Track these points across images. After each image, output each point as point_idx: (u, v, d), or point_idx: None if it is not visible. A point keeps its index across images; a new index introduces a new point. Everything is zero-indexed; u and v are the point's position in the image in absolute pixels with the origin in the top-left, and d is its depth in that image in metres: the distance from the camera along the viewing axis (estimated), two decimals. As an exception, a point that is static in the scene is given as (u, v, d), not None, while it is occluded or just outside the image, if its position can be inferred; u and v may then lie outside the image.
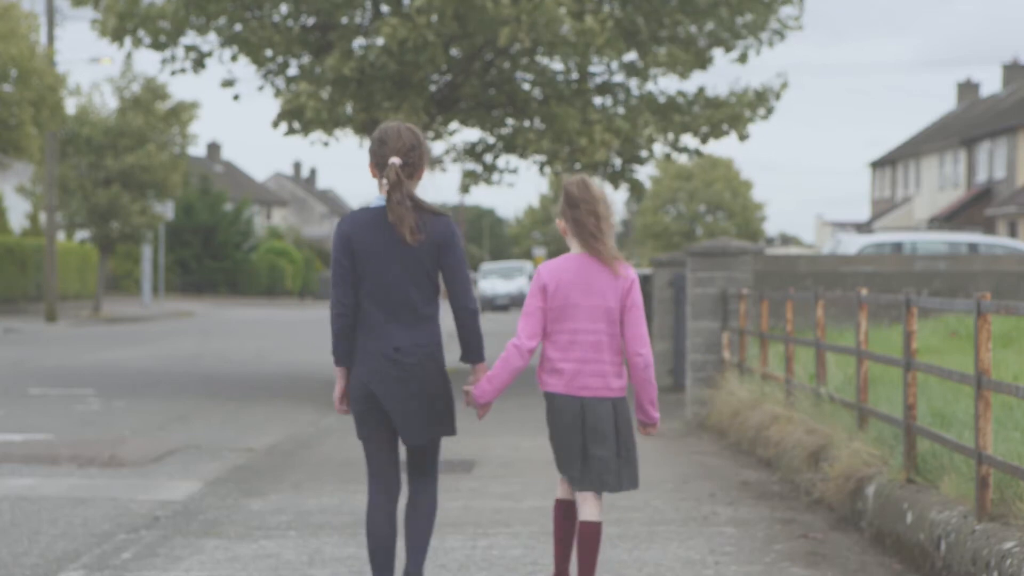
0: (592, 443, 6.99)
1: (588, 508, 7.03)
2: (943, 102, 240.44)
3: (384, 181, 6.81)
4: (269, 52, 23.65)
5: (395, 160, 6.78)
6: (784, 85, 24.51)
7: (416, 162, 6.85)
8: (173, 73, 24.14)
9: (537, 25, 21.41)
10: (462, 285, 6.83)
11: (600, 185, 7.19)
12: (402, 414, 6.83)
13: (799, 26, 24.30)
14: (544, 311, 7.01)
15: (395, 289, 6.81)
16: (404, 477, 7.17)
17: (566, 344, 7.01)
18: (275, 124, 23.65)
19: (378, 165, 6.87)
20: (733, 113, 24.15)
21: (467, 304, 6.85)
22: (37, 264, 52.13)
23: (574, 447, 7.01)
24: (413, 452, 7.06)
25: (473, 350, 6.93)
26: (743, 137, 24.45)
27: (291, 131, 23.66)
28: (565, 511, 7.23)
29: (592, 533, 7.00)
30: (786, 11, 24.19)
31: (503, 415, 17.12)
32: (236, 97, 25.20)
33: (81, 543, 9.56)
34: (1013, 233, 51.35)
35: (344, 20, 23.32)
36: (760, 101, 24.28)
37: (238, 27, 23.22)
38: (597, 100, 24.92)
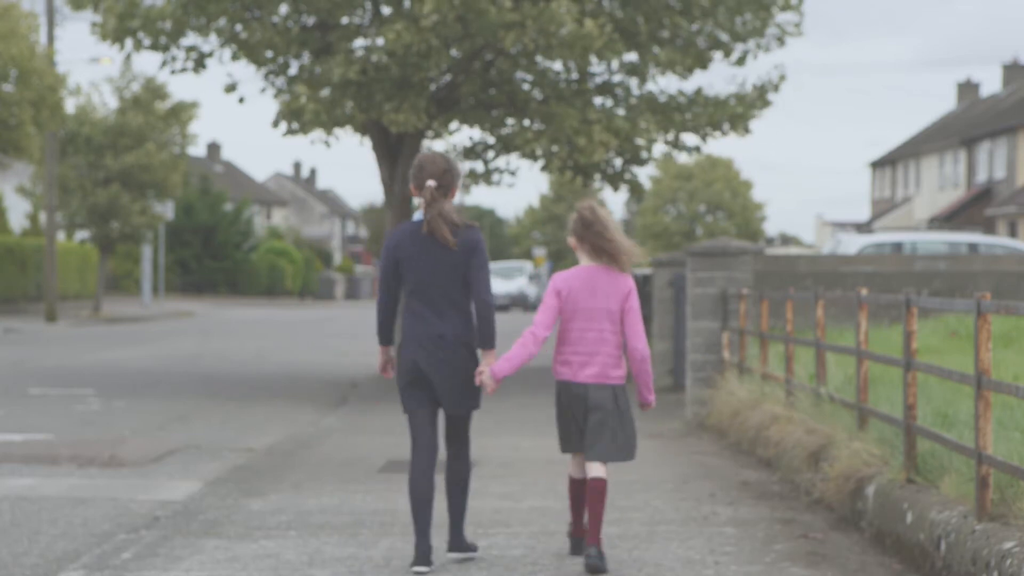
0: (593, 421, 8.31)
1: (594, 469, 8.31)
2: (943, 102, 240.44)
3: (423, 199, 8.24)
4: (269, 53, 23.63)
5: (431, 183, 8.25)
6: (782, 77, 24.46)
7: (449, 183, 8.31)
8: (173, 72, 24.13)
9: (544, 32, 21.39)
10: (482, 282, 8.26)
11: (603, 205, 8.69)
12: (446, 389, 8.28)
13: (799, 32, 24.25)
14: (558, 308, 8.39)
15: (434, 287, 8.27)
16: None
17: (575, 340, 8.41)
18: (275, 124, 23.64)
19: (418, 187, 8.32)
20: (734, 113, 24.13)
21: (485, 298, 8.28)
22: (37, 264, 52.10)
23: (577, 424, 8.38)
24: (451, 423, 8.46)
25: (486, 338, 8.32)
26: (743, 134, 24.43)
27: (290, 131, 23.64)
28: (576, 487, 8.59)
29: (598, 487, 8.26)
30: (785, 16, 24.15)
31: (503, 415, 17.14)
32: (241, 100, 25.18)
33: (81, 543, 9.56)
34: (1013, 233, 51.34)
35: (344, 20, 23.30)
36: (759, 97, 24.25)
37: (238, 28, 23.21)
38: (597, 100, 24.89)
